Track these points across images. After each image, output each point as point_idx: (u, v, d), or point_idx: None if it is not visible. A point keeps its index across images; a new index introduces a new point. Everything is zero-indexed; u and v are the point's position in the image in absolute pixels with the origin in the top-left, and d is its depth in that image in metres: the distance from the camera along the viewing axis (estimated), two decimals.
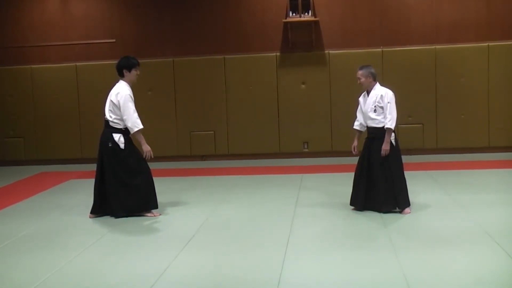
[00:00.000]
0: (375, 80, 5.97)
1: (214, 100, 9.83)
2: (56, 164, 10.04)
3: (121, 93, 5.96)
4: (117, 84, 6.11)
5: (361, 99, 6.09)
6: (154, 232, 5.65)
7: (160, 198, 6.28)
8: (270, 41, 9.75)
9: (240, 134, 9.82)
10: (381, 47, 9.48)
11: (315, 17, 9.47)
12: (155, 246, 5.15)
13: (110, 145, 5.99)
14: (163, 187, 6.92)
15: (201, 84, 9.83)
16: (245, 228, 5.61)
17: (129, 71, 6.10)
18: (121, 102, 5.92)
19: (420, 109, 9.42)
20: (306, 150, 9.78)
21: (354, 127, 6.18)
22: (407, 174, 6.07)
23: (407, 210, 5.87)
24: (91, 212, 6.21)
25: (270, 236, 5.27)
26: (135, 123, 5.95)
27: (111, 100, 6.00)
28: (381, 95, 5.87)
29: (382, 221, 5.60)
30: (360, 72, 5.96)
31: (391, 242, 4.91)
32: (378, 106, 5.87)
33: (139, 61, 6.26)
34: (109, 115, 6.01)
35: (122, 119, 5.98)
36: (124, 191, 6.04)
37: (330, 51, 9.62)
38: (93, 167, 6.40)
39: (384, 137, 5.83)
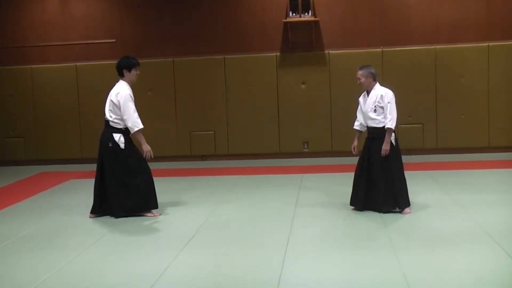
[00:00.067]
0: (375, 80, 5.97)
1: (214, 100, 9.83)
2: (56, 164, 10.04)
3: (121, 93, 5.96)
4: (117, 84, 6.11)
5: (361, 99, 6.09)
6: (154, 232, 5.65)
7: (160, 198, 6.28)
8: (270, 41, 9.75)
9: (240, 134, 9.82)
10: (381, 47, 9.48)
11: (315, 17, 9.47)
12: (155, 246, 5.15)
13: (110, 145, 5.99)
14: (163, 187, 6.92)
15: (201, 84, 9.83)
16: (245, 228, 5.61)
17: (129, 71, 6.10)
18: (121, 102, 5.92)
19: (420, 109, 9.42)
20: (306, 150, 9.78)
21: (354, 127, 6.18)
22: (407, 174, 6.07)
23: (407, 210, 5.87)
24: (91, 212, 6.21)
25: (270, 236, 5.27)
26: (135, 123, 5.95)
27: (111, 100, 6.00)
28: (381, 95, 5.87)
29: (382, 221, 5.60)
30: (360, 72, 5.96)
31: (391, 242, 4.91)
32: (378, 106, 5.87)
33: (139, 61, 6.26)
34: (109, 115, 6.01)
35: (122, 119, 5.97)
36: (124, 191, 6.04)
37: (330, 51, 9.62)
38: (93, 167, 6.40)
39: (384, 137, 5.83)
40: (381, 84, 6.03)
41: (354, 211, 6.02)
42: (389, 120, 5.80)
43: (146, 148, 6.03)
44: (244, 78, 9.75)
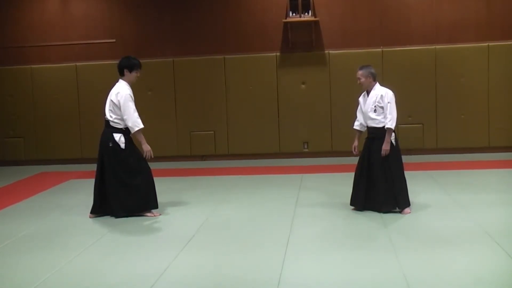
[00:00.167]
0: (375, 80, 5.97)
1: (214, 100, 9.83)
2: (56, 164, 10.04)
3: (121, 92, 5.96)
4: (117, 84, 6.11)
5: (361, 99, 6.09)
6: (154, 232, 5.65)
7: (160, 198, 6.28)
8: (270, 41, 9.75)
9: (240, 134, 9.82)
10: (381, 47, 9.48)
11: (315, 17, 9.47)
12: (155, 246, 5.15)
13: (110, 145, 5.99)
14: (163, 187, 6.92)
15: (201, 84, 9.83)
16: (245, 228, 5.61)
17: (130, 71, 6.10)
18: (121, 101, 5.92)
19: (420, 109, 9.42)
20: (306, 150, 9.78)
21: (354, 127, 6.18)
22: (407, 174, 6.07)
23: (407, 210, 5.87)
24: (91, 212, 6.21)
25: (270, 236, 5.27)
26: (135, 123, 5.95)
27: (111, 100, 6.00)
28: (381, 95, 5.87)
29: (382, 221, 5.60)
30: (360, 72, 5.96)
31: (391, 242, 4.91)
32: (378, 106, 5.87)
33: (139, 61, 6.25)
34: (109, 115, 6.01)
35: (122, 119, 5.97)
36: (124, 191, 6.04)
37: (330, 51, 9.62)
38: (93, 167, 6.40)
39: (384, 137, 5.83)
40: (381, 84, 6.03)
41: (354, 211, 6.02)
42: (389, 120, 5.80)
43: (146, 148, 6.03)
44: (244, 78, 9.75)
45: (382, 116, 5.86)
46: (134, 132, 6.00)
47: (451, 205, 6.17)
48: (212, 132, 9.89)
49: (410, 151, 9.05)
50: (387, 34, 9.51)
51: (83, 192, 7.46)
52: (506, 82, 9.30)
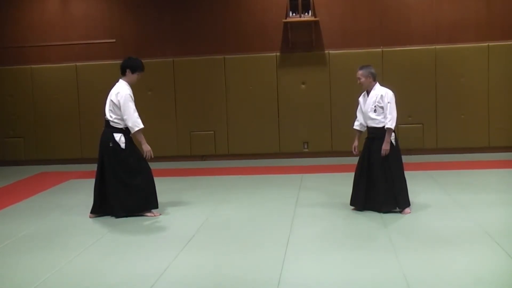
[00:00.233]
0: (375, 80, 5.96)
1: (214, 100, 9.83)
2: (56, 164, 10.04)
3: (121, 92, 5.96)
4: (117, 84, 6.10)
5: (361, 99, 6.09)
6: (154, 232, 5.65)
7: (160, 198, 6.28)
8: (270, 41, 9.75)
9: (240, 134, 9.82)
10: (381, 47, 9.48)
11: (315, 17, 9.47)
12: (155, 246, 5.15)
13: (110, 145, 5.99)
14: (163, 187, 6.92)
15: (201, 84, 9.83)
16: (245, 228, 5.61)
17: (132, 72, 6.09)
18: (121, 101, 5.92)
19: (420, 109, 9.42)
20: (306, 150, 9.78)
21: (354, 127, 6.18)
22: (407, 174, 6.07)
23: (407, 210, 5.87)
24: (91, 212, 6.21)
25: (270, 236, 5.27)
26: (135, 123, 5.95)
27: (111, 100, 6.00)
28: (381, 95, 5.87)
29: (382, 221, 5.60)
30: (360, 72, 5.96)
31: (391, 242, 4.91)
32: (378, 106, 5.87)
33: (143, 64, 6.22)
34: (109, 115, 6.01)
35: (122, 119, 5.97)
36: (125, 191, 6.03)
37: (330, 51, 9.62)
38: (93, 167, 6.40)
39: (384, 137, 5.83)
40: (381, 84, 6.03)
41: (354, 211, 6.02)
42: (389, 120, 5.80)
43: (146, 148, 6.03)
44: (244, 78, 9.75)
45: (382, 116, 5.86)
46: (134, 132, 6.00)
47: (451, 205, 6.17)
48: (212, 132, 9.89)
49: (410, 151, 9.05)
50: (387, 34, 9.51)
51: (83, 192, 7.46)
52: (506, 82, 9.30)
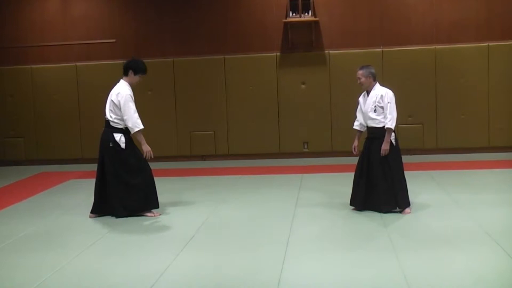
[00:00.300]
0: (375, 80, 5.97)
1: (214, 100, 9.83)
2: (56, 164, 10.04)
3: (121, 93, 5.96)
4: (118, 84, 6.10)
5: (361, 99, 6.09)
6: (154, 232, 5.65)
7: (160, 198, 6.28)
8: (270, 41, 9.75)
9: (240, 134, 9.82)
10: (381, 47, 9.48)
11: (315, 17, 9.47)
12: (155, 246, 5.16)
13: (111, 145, 5.99)
14: (163, 187, 6.91)
15: (201, 84, 9.83)
16: (245, 228, 5.61)
17: (135, 74, 6.09)
18: (121, 102, 5.92)
19: (420, 109, 9.42)
20: (306, 150, 9.78)
21: (354, 127, 6.18)
22: (407, 174, 6.07)
23: (407, 210, 5.87)
24: (92, 212, 6.21)
25: (270, 236, 5.28)
26: (135, 123, 5.95)
27: (112, 100, 6.00)
28: (381, 95, 5.87)
29: (382, 221, 5.60)
30: (360, 72, 5.96)
31: (391, 242, 4.91)
32: (378, 106, 5.87)
33: (146, 67, 6.21)
34: (109, 115, 6.01)
35: (122, 119, 5.97)
36: (125, 191, 6.04)
37: (330, 51, 9.62)
38: (93, 167, 6.40)
39: (384, 137, 5.83)
40: (381, 84, 6.04)
41: (354, 211, 6.02)
42: (389, 120, 5.81)
43: (146, 148, 6.03)
44: (244, 78, 9.75)
45: (382, 116, 5.87)
46: (134, 133, 6.00)
47: (451, 205, 6.17)
48: (212, 132, 9.89)
49: (410, 151, 9.06)
50: (387, 34, 9.51)
51: (83, 192, 7.46)
52: (506, 82, 9.30)
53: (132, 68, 6.08)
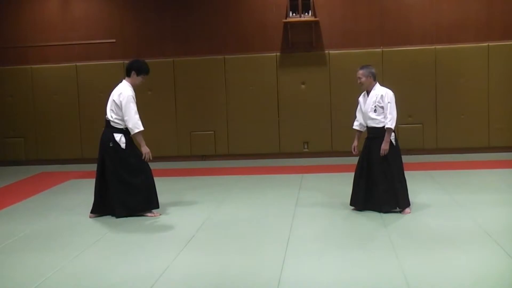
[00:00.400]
0: (375, 80, 5.97)
1: (214, 100, 9.83)
2: (57, 164, 10.05)
3: (123, 93, 5.96)
4: (120, 84, 6.10)
5: (361, 99, 6.09)
6: (154, 232, 5.65)
7: (160, 198, 6.28)
8: (270, 41, 9.75)
9: (240, 134, 9.82)
10: (381, 47, 9.48)
11: (315, 17, 9.47)
12: (155, 246, 5.15)
13: (111, 145, 5.99)
14: (163, 187, 6.92)
15: (201, 84, 9.84)
16: (245, 228, 5.61)
17: (137, 75, 6.09)
18: (123, 102, 5.92)
19: (420, 109, 9.42)
20: (306, 150, 9.78)
21: (354, 127, 6.18)
22: (407, 174, 6.07)
23: (407, 210, 5.87)
24: (92, 212, 6.21)
25: (270, 236, 5.28)
26: (136, 125, 5.95)
27: (113, 100, 6.00)
28: (381, 95, 5.87)
29: (382, 221, 5.60)
30: (360, 72, 5.96)
31: (391, 242, 4.91)
32: (378, 106, 5.87)
33: (149, 68, 6.21)
34: (110, 115, 6.01)
35: (123, 119, 5.97)
36: (125, 191, 6.03)
37: (330, 51, 9.62)
38: (93, 167, 6.40)
39: (384, 136, 5.83)
40: (381, 84, 6.04)
41: (354, 211, 6.02)
42: (389, 120, 5.81)
43: (145, 150, 6.02)
44: (244, 78, 9.75)
45: (382, 116, 5.87)
46: (134, 134, 6.00)
47: (451, 205, 6.17)
48: (212, 132, 9.89)
49: (410, 151, 9.06)
50: (387, 34, 9.52)
51: (83, 192, 7.46)
52: (506, 82, 9.30)
53: (134, 69, 6.08)
